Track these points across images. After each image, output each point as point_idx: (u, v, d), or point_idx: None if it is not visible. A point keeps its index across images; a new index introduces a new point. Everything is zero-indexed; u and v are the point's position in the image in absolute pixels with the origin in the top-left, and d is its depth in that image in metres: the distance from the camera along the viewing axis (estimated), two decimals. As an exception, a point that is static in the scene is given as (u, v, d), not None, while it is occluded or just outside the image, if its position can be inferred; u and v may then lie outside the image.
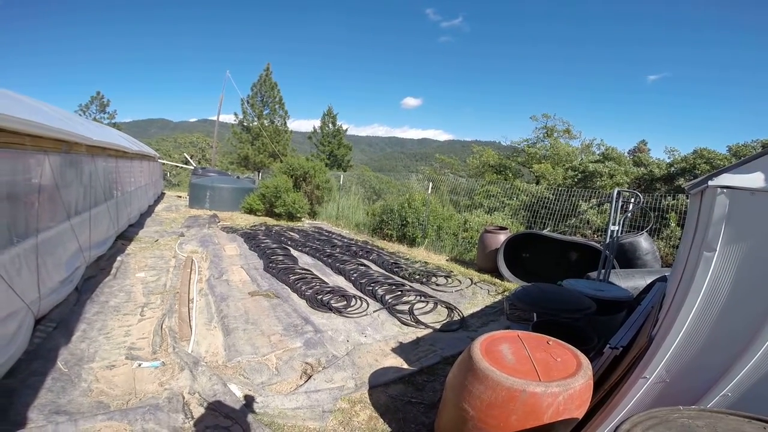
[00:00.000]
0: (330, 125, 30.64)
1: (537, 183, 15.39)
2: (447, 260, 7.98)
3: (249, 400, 2.72)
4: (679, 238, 7.53)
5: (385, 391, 3.00)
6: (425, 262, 7.40)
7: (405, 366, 3.41)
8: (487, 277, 6.58)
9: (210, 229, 9.52)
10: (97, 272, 5.27)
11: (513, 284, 6.14)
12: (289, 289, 5.28)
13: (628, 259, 5.48)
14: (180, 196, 16.78)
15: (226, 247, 7.61)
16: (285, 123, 28.55)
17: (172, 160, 26.25)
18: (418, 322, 4.42)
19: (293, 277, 5.69)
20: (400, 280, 6.01)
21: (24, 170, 3.55)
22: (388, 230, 9.67)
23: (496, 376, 1.88)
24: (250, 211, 12.51)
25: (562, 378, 1.88)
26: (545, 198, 9.72)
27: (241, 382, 2.99)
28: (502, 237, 6.80)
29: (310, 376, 3.14)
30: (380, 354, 3.60)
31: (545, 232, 7.08)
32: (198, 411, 2.57)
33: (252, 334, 3.86)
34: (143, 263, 6.07)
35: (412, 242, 9.19)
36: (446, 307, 4.94)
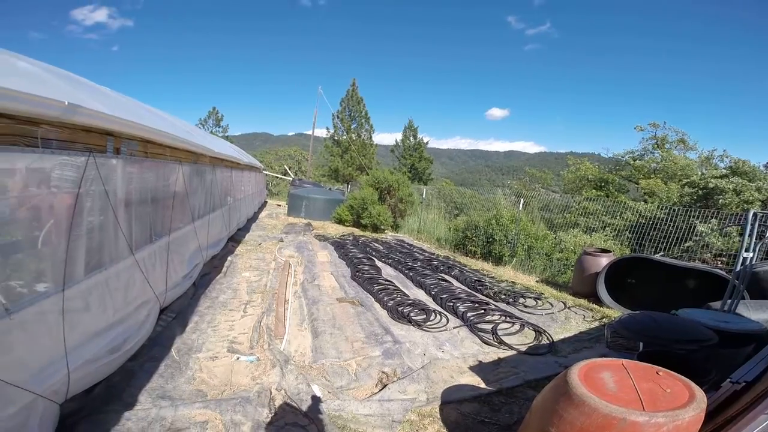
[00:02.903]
0: (411, 138, 31.13)
1: (645, 200, 13.67)
2: (537, 281, 7.50)
3: (327, 402, 2.85)
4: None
5: (457, 408, 2.93)
6: (512, 282, 7.05)
7: (482, 385, 3.30)
8: (583, 301, 6.07)
9: (305, 236, 10.31)
10: (211, 270, 6.05)
11: (614, 311, 5.59)
12: (372, 299, 5.46)
13: (762, 289, 4.65)
14: (279, 205, 18.46)
15: (318, 254, 8.16)
16: (371, 137, 29.77)
17: (273, 171, 29.07)
18: (501, 342, 4.24)
19: (377, 287, 5.87)
20: (484, 298, 5.82)
21: (164, 177, 4.26)
22: (471, 247, 9.42)
23: (594, 403, 1.77)
24: (340, 221, 13.23)
25: (669, 409, 1.73)
26: (656, 218, 8.58)
27: (323, 384, 3.15)
28: (604, 260, 6.22)
29: (385, 385, 3.19)
30: (456, 371, 3.53)
31: (658, 256, 6.25)
32: (281, 407, 2.75)
33: (337, 338, 4.05)
34: (248, 264, 6.81)
35: (498, 260, 8.82)
36: (534, 330, 4.66)
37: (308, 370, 3.35)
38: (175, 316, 4.15)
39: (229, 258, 6.92)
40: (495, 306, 5.43)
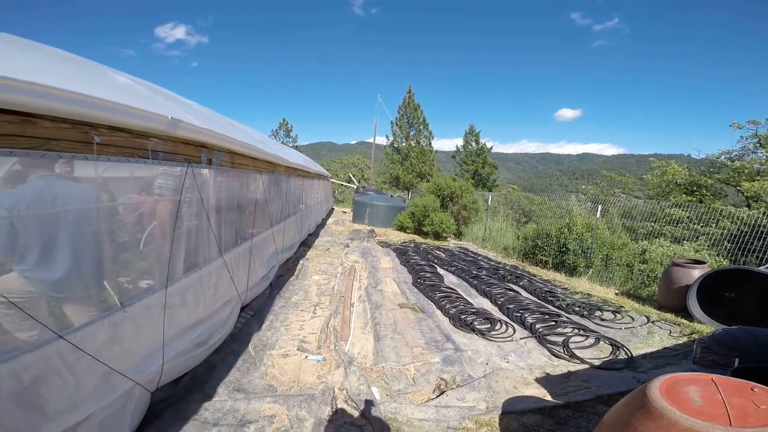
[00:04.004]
0: (473, 143, 30.41)
1: (749, 206, 11.92)
2: (616, 294, 6.93)
3: (384, 405, 2.90)
4: None
5: (518, 419, 2.82)
6: (588, 294, 6.60)
7: (547, 398, 3.15)
8: (669, 316, 5.52)
9: (368, 242, 10.59)
10: (285, 272, 6.48)
11: (707, 327, 5.02)
12: (434, 306, 5.44)
13: None
14: (345, 212, 19.11)
15: (381, 260, 8.33)
16: (430, 143, 29.66)
17: (338, 179, 30.16)
18: (572, 355, 4.01)
19: (438, 295, 5.83)
20: (555, 310, 5.52)
21: (247, 186, 4.66)
22: (542, 256, 8.95)
23: (674, 416, 1.64)
24: (401, 228, 13.35)
25: (761, 425, 1.58)
26: (763, 225, 7.45)
27: (381, 386, 3.21)
28: (697, 272, 5.59)
29: (443, 392, 3.17)
30: (521, 382, 3.40)
31: (764, 268, 5.45)
32: (342, 406, 2.84)
33: (398, 343, 4.11)
34: (318, 268, 7.18)
35: (571, 271, 8.28)
36: (611, 344, 4.35)
37: (369, 372, 3.44)
38: (253, 314, 4.49)
39: (301, 261, 7.35)
40: (567, 318, 5.13)
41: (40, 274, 1.97)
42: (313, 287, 5.92)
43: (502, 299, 5.77)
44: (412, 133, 29.55)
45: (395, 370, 3.52)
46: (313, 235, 10.74)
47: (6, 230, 1.85)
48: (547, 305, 5.73)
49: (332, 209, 19.98)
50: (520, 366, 3.74)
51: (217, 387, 2.97)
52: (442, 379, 3.40)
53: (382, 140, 30.94)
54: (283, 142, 32.72)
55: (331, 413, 2.75)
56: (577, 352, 4.07)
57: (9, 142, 1.76)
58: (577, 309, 5.59)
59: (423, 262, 8.02)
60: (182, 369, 2.89)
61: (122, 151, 2.39)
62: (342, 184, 28.94)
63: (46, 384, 1.75)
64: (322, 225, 13.28)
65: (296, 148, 32.54)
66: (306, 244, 9.11)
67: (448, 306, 5.31)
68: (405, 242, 11.05)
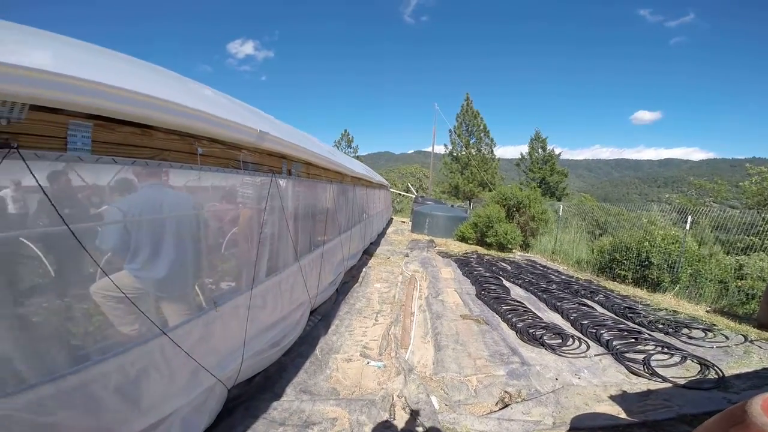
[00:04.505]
0: (539, 150, 28.95)
1: None
2: (707, 312, 6.25)
3: (443, 414, 2.87)
4: None
5: None
6: (674, 311, 6.02)
7: (622, 415, 2.95)
8: None
9: (428, 252, 10.56)
10: (349, 279, 6.70)
11: None
12: (499, 318, 5.28)
13: None
14: (404, 221, 19.22)
15: (442, 271, 8.26)
16: (492, 151, 28.66)
17: (397, 188, 30.34)
18: (653, 373, 3.72)
19: (504, 307, 5.65)
20: (635, 326, 5.10)
21: (320, 195, 4.87)
22: (620, 270, 8.28)
23: None
24: (462, 238, 13.09)
25: None
26: None
27: (441, 396, 3.18)
28: (808, 290, 4.88)
29: (507, 405, 3.08)
30: (593, 399, 3.20)
31: None
32: (400, 413, 2.86)
33: (459, 354, 4.05)
34: (379, 276, 7.33)
35: (654, 287, 7.57)
36: (699, 363, 3.98)
37: (428, 381, 3.43)
38: (320, 318, 4.68)
39: (363, 269, 7.56)
40: (649, 335, 4.75)
41: (149, 273, 2.15)
42: (375, 295, 6.05)
43: (574, 314, 5.45)
44: (472, 141, 28.89)
45: (456, 380, 3.48)
46: (375, 243, 10.95)
47: (120, 232, 2.04)
48: (626, 322, 5.32)
49: (391, 219, 20.19)
50: (593, 383, 3.54)
51: (286, 387, 3.09)
52: (506, 392, 3.30)
53: (440, 149, 30.65)
54: (345, 153, 33.64)
55: (390, 419, 2.79)
56: (659, 371, 3.77)
57: (129, 152, 1.90)
58: (660, 326, 5.14)
59: (487, 274, 7.82)
60: (257, 368, 3.00)
61: (219, 162, 2.55)
62: (400, 194, 29.11)
63: (145, 378, 1.82)
64: (382, 234, 13.48)
65: (357, 158, 33.27)
66: (368, 252, 9.32)
67: (514, 319, 5.13)
68: (467, 253, 10.84)
